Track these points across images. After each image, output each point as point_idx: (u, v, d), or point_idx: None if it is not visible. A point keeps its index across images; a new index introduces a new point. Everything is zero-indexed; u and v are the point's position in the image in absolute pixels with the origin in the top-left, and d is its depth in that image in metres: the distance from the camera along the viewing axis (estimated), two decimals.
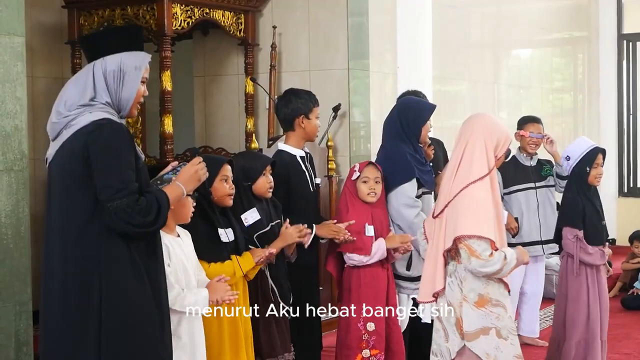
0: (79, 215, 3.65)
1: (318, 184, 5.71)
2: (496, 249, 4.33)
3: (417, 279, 5.23)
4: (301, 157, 5.50)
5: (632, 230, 9.85)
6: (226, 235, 4.66)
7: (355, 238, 5.32)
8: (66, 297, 3.67)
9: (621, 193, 13.07)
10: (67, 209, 3.67)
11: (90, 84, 3.72)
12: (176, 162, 4.22)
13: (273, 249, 4.89)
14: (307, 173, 5.51)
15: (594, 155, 5.85)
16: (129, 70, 3.76)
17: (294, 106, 5.47)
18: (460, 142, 4.48)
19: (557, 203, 7.16)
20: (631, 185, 13.15)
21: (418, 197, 5.55)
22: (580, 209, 5.81)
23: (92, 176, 3.61)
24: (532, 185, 7.20)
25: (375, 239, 5.36)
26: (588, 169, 5.82)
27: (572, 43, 13.32)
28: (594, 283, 5.84)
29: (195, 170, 3.93)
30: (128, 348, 3.65)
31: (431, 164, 5.83)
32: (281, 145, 5.54)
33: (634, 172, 13.12)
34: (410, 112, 5.64)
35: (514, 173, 7.14)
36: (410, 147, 5.57)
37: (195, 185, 3.98)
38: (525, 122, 7.31)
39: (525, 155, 7.24)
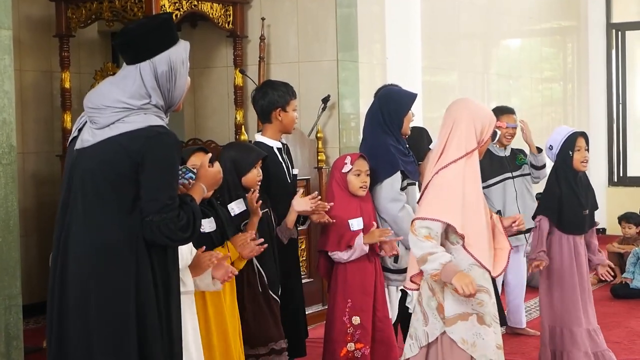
0: (116, 209, 3.58)
1: (295, 175, 5.72)
2: (462, 236, 4.31)
3: (405, 270, 5.24)
4: (278, 148, 5.52)
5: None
6: (207, 225, 4.63)
7: (334, 220, 5.32)
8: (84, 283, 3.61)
9: (611, 182, 13.10)
10: (102, 200, 3.58)
11: (140, 88, 3.59)
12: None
13: (252, 230, 4.87)
14: (284, 164, 5.52)
15: (573, 139, 5.82)
16: (178, 67, 3.64)
17: (270, 99, 5.46)
18: (444, 128, 4.45)
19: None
20: (621, 175, 13.18)
21: (403, 188, 5.55)
22: (554, 197, 5.79)
23: (136, 180, 3.54)
24: (509, 175, 7.17)
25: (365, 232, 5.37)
26: (571, 152, 5.80)
27: (561, 33, 13.33)
28: (572, 268, 5.82)
29: (220, 175, 4.02)
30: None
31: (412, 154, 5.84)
32: (258, 137, 5.55)
33: (623, 162, 13.16)
34: (392, 102, 5.65)
35: (490, 165, 7.04)
36: (392, 138, 5.58)
37: (214, 188, 4.10)
38: (499, 113, 7.17)
39: (498, 146, 7.21)
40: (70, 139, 3.76)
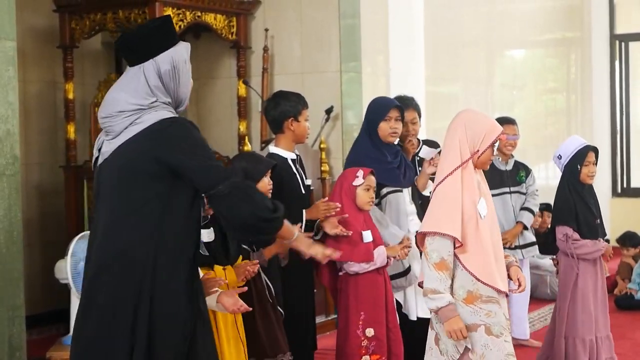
0: (152, 208, 3.58)
1: (309, 186, 5.72)
2: (460, 245, 4.31)
3: (399, 275, 5.62)
4: (292, 159, 5.51)
5: (624, 231, 9.87)
6: (206, 235, 4.61)
7: (351, 232, 5.31)
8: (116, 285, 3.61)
9: (615, 193, 13.08)
10: (122, 208, 3.60)
11: (145, 87, 3.63)
12: None
13: (256, 266, 4.84)
14: (297, 175, 5.52)
15: (584, 153, 5.84)
16: (180, 66, 3.68)
17: (282, 109, 5.47)
18: (444, 141, 4.50)
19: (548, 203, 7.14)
20: (624, 186, 13.16)
21: (383, 196, 5.60)
22: (571, 207, 5.81)
23: (159, 177, 3.56)
24: (507, 190, 7.11)
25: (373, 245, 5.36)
26: (579, 166, 5.82)
27: (565, 43, 13.33)
28: (585, 279, 5.83)
29: None
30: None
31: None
32: (272, 149, 5.54)
33: (627, 173, 13.14)
34: (371, 108, 5.81)
35: (489, 177, 6.97)
36: (370, 143, 5.63)
37: None
38: (500, 123, 7.06)
39: (500, 159, 7.15)
40: (93, 160, 3.78)
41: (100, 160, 3.69)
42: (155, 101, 3.62)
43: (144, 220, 3.57)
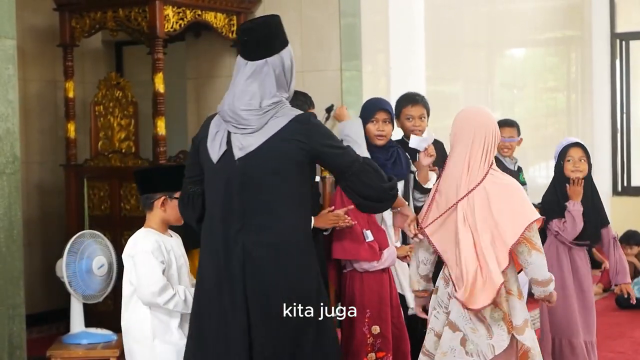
0: (302, 196, 3.94)
1: (317, 182, 5.72)
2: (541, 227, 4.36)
3: None
4: None
5: (626, 229, 9.86)
6: None
7: (356, 222, 5.30)
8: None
9: (615, 192, 13.07)
10: (289, 190, 3.87)
11: (273, 84, 3.89)
12: None
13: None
14: None
15: (566, 150, 5.85)
16: (293, 60, 4.00)
17: None
18: (466, 137, 4.40)
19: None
20: (625, 184, 13.15)
21: None
22: (553, 202, 5.81)
23: (307, 166, 3.94)
24: None
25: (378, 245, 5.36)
26: (562, 162, 5.83)
27: (565, 42, 13.32)
28: (569, 278, 5.81)
29: None
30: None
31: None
32: None
33: (627, 171, 13.13)
34: (363, 107, 5.83)
35: None
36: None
37: None
38: (500, 125, 7.00)
39: (508, 158, 7.14)
40: (219, 156, 3.92)
41: (238, 154, 3.86)
42: (284, 98, 3.92)
43: (298, 207, 3.90)
